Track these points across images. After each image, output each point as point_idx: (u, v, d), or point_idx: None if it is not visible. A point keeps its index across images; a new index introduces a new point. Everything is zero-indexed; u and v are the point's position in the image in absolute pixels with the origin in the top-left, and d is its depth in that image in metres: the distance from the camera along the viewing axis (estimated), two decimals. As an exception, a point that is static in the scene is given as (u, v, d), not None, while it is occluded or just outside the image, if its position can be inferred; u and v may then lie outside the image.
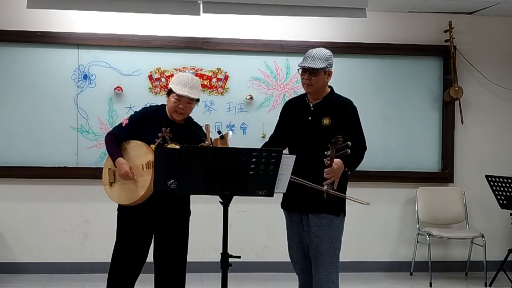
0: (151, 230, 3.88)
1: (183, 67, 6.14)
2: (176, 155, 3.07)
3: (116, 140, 3.86)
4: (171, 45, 6.10)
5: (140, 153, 3.77)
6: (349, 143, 3.49)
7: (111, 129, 4.07)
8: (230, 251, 3.20)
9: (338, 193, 3.61)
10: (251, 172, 3.10)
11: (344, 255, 6.24)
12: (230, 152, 3.10)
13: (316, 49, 3.78)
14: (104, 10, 5.67)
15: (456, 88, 6.30)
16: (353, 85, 6.36)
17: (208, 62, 6.18)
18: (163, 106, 3.92)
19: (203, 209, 5.81)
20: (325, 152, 3.49)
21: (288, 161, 3.29)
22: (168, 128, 3.82)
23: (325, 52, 3.77)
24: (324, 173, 3.53)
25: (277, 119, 4.00)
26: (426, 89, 6.47)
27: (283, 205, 3.88)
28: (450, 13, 6.38)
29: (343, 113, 3.77)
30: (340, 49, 6.28)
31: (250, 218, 6.14)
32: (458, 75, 6.35)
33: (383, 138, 6.41)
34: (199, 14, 5.44)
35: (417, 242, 6.26)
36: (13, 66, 5.98)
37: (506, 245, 6.17)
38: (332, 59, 3.78)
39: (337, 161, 3.53)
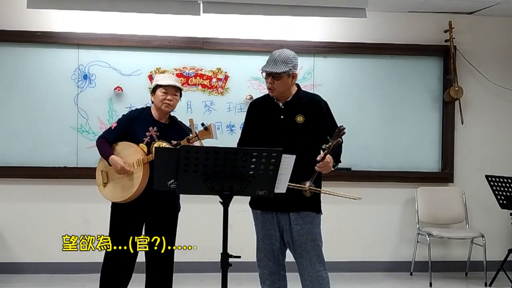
0: (141, 224, 4.09)
1: (183, 67, 6.14)
2: (176, 155, 3.07)
3: (107, 142, 4.09)
4: (171, 45, 6.10)
5: (130, 152, 4.00)
6: (340, 139, 3.54)
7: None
8: (230, 251, 3.21)
9: (324, 190, 3.62)
10: (251, 172, 3.11)
11: (344, 255, 6.32)
12: (230, 152, 3.10)
13: (279, 51, 3.73)
14: (104, 10, 5.67)
15: (456, 88, 6.30)
16: (353, 85, 6.37)
17: (208, 62, 6.18)
18: (148, 108, 4.17)
19: (203, 209, 5.82)
20: (323, 146, 3.51)
21: (288, 161, 3.29)
22: (155, 127, 4.05)
23: (288, 54, 3.69)
24: (316, 167, 3.55)
25: None
26: (426, 89, 6.47)
27: (255, 204, 3.83)
28: (450, 13, 6.38)
29: (317, 109, 3.75)
30: (340, 49, 6.29)
31: (250, 218, 6.11)
32: (458, 75, 6.35)
33: (383, 138, 6.41)
34: (199, 14, 5.45)
35: (417, 242, 6.26)
36: (13, 66, 5.98)
37: (506, 245, 6.17)
38: (297, 60, 3.72)
39: (328, 156, 3.57)
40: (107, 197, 4.10)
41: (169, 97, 4.03)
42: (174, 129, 4.11)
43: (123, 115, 4.21)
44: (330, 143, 3.50)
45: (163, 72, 6.04)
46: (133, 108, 5.64)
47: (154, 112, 4.11)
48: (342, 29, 6.30)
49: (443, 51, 6.39)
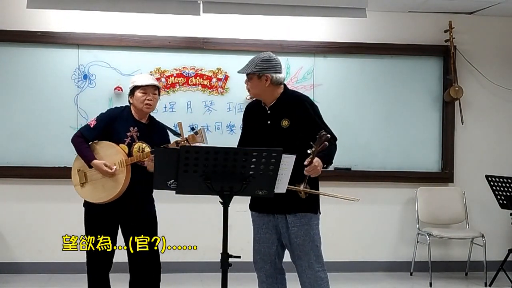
0: (117, 224, 4.07)
1: (183, 67, 6.14)
2: (176, 155, 3.07)
3: (85, 141, 4.02)
4: (171, 45, 6.09)
5: (111, 153, 3.95)
6: (328, 135, 3.47)
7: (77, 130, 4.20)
8: (230, 251, 3.21)
9: (319, 191, 3.60)
10: (251, 172, 3.10)
11: (344, 255, 6.32)
12: (230, 152, 3.10)
13: (260, 53, 3.74)
14: (104, 10, 5.67)
15: (456, 88, 6.30)
16: (353, 85, 6.37)
17: (208, 62, 6.17)
18: (128, 107, 4.10)
19: (203, 209, 5.83)
20: (308, 151, 3.46)
21: (288, 161, 3.29)
22: (136, 128, 4.00)
23: (262, 56, 3.69)
24: (304, 171, 3.50)
25: None
26: (426, 89, 6.47)
27: (253, 206, 3.84)
28: (450, 13, 6.38)
29: (301, 110, 3.69)
30: (340, 49, 6.29)
31: (250, 218, 6.13)
32: (458, 75, 6.35)
33: (383, 138, 6.41)
34: (199, 14, 5.45)
35: (417, 242, 6.26)
36: (13, 66, 5.98)
37: (506, 245, 6.17)
38: (272, 63, 3.67)
39: (316, 159, 3.50)
40: (86, 197, 4.04)
41: (149, 97, 3.99)
42: (154, 129, 4.08)
43: (102, 113, 4.12)
44: (313, 148, 3.46)
45: (163, 72, 6.05)
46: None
47: (134, 112, 4.06)
48: (342, 29, 6.30)
49: (443, 51, 6.39)
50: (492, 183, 5.70)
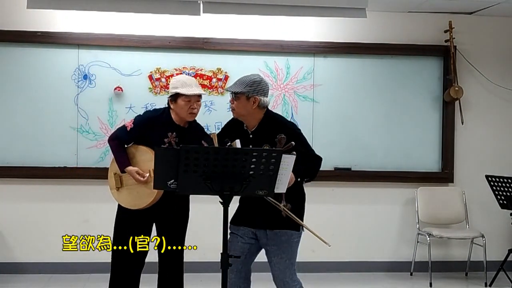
0: (151, 223, 4.03)
1: (183, 67, 6.14)
2: (176, 155, 3.07)
3: (121, 144, 3.95)
4: (171, 45, 6.09)
5: (147, 159, 3.86)
6: (292, 142, 3.44)
7: (114, 130, 4.12)
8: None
9: (297, 219, 3.54)
10: (251, 172, 3.10)
11: (344, 255, 6.33)
12: (230, 152, 3.10)
13: (248, 74, 3.70)
14: (104, 10, 5.67)
15: (456, 88, 6.30)
16: (353, 85, 6.37)
17: (208, 62, 6.17)
18: (167, 110, 3.96)
19: (203, 209, 5.82)
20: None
21: (288, 161, 3.29)
22: (174, 133, 3.91)
23: (252, 77, 3.66)
24: None
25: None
26: (426, 89, 6.47)
27: (234, 221, 3.76)
28: (450, 13, 6.38)
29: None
30: (340, 49, 6.29)
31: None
32: (458, 75, 6.35)
33: (383, 138, 6.41)
34: (199, 14, 5.45)
35: (417, 242, 6.26)
36: (13, 66, 5.98)
37: (506, 245, 6.17)
38: (262, 86, 3.64)
39: None
40: (121, 202, 3.99)
41: (193, 106, 3.87)
42: (192, 133, 3.96)
43: (139, 116, 4.02)
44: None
45: (163, 72, 6.05)
46: (134, 106, 5.58)
47: (174, 116, 3.93)
48: (342, 29, 6.30)
49: (443, 51, 6.39)
50: (492, 183, 5.70)
